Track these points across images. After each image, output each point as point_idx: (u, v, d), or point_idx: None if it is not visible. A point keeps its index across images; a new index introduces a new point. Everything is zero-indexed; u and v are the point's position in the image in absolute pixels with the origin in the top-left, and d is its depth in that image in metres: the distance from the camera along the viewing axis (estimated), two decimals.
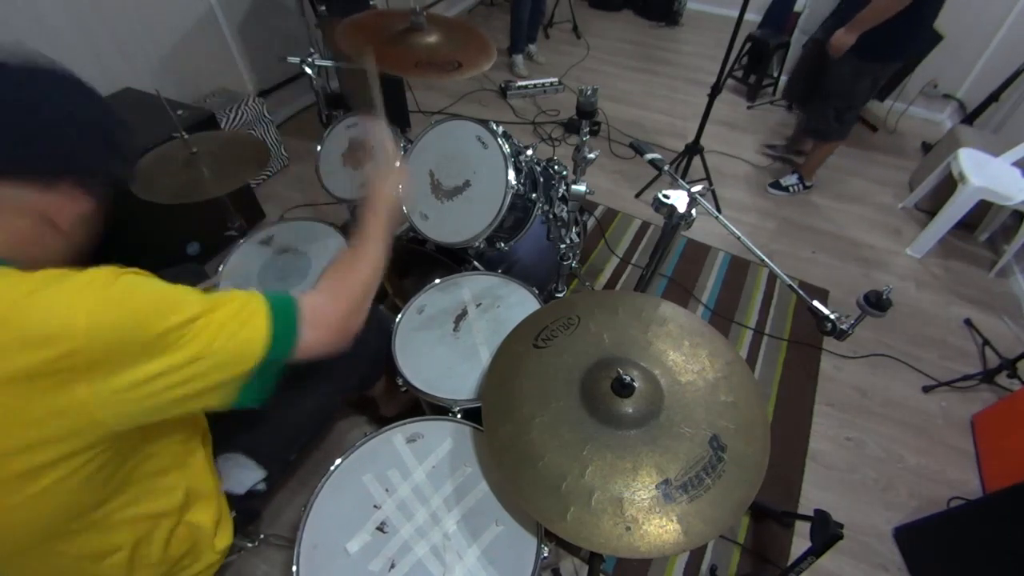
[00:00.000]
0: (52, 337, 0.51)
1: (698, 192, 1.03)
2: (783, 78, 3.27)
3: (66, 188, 0.61)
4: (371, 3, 2.29)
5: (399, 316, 1.26)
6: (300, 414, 1.04)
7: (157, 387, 0.57)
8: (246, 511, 0.93)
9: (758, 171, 2.70)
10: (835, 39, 1.96)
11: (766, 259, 0.93)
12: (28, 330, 0.51)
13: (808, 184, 2.51)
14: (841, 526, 0.94)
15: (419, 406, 1.23)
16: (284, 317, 0.68)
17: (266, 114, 2.33)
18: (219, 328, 0.61)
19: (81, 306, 0.53)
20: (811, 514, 1.01)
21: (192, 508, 0.82)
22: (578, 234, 1.29)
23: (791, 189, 2.52)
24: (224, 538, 0.88)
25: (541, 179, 1.41)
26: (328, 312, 0.73)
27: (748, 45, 3.22)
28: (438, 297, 1.31)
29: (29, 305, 0.52)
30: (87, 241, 0.68)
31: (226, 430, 0.91)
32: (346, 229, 1.56)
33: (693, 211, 1.06)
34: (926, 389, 1.77)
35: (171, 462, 0.76)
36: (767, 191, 2.56)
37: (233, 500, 0.91)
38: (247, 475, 0.94)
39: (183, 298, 0.60)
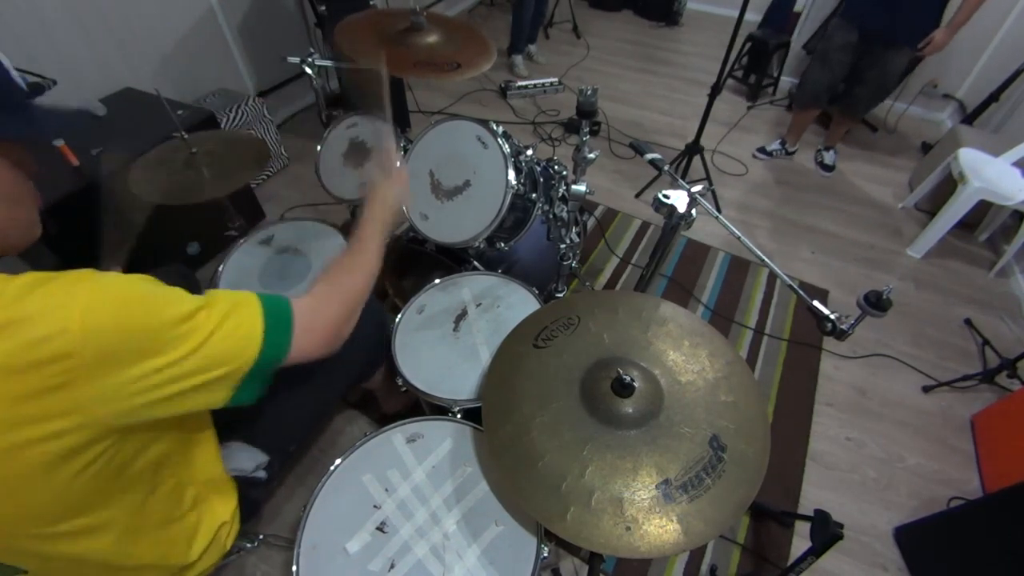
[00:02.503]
0: (47, 339, 0.50)
1: (698, 192, 1.03)
2: (783, 79, 3.28)
3: None
4: (371, 3, 2.29)
5: (399, 316, 1.26)
6: (299, 405, 1.04)
7: (152, 385, 0.57)
8: (248, 501, 0.93)
9: (759, 171, 2.71)
10: (941, 40, 2.10)
11: (766, 259, 0.93)
12: (24, 335, 0.50)
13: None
14: (841, 526, 0.94)
15: (419, 406, 1.24)
16: (278, 320, 0.68)
17: (266, 114, 2.33)
18: (213, 329, 0.61)
19: (75, 307, 0.52)
20: (811, 514, 1.01)
21: (211, 500, 0.84)
22: (578, 234, 1.29)
23: (833, 165, 2.73)
24: (233, 533, 0.89)
25: (541, 179, 1.41)
26: (321, 316, 0.74)
27: (748, 45, 3.22)
28: (438, 297, 1.31)
29: (22, 309, 0.50)
30: (4, 212, 0.61)
31: (226, 420, 0.91)
32: (346, 229, 1.56)
33: (693, 211, 1.06)
34: (926, 389, 1.77)
35: (184, 456, 0.78)
36: (822, 175, 2.70)
37: (237, 485, 0.92)
38: (249, 457, 0.95)
39: (176, 298, 0.60)
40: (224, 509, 0.87)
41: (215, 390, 0.63)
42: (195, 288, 1.27)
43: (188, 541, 0.80)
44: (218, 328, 0.61)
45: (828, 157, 2.71)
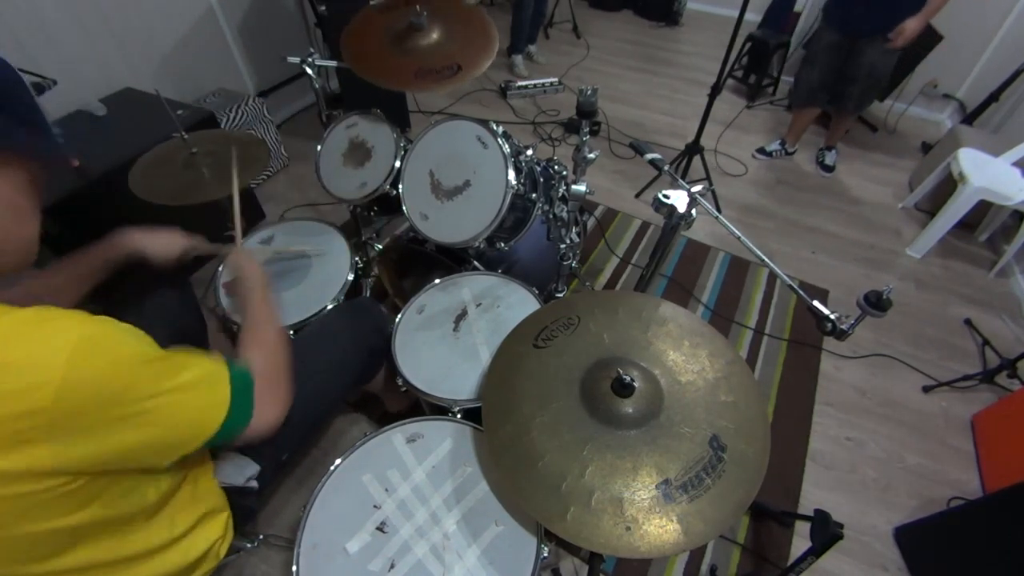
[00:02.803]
0: (24, 392, 0.49)
1: (698, 192, 1.03)
2: (783, 79, 3.28)
3: None
4: (371, 2, 2.29)
5: (399, 316, 1.26)
6: (290, 414, 1.03)
7: (110, 450, 0.57)
8: (241, 509, 0.93)
9: (759, 171, 2.71)
10: (910, 29, 2.07)
11: (766, 259, 0.93)
12: (3, 384, 0.49)
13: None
14: (841, 526, 0.93)
15: (419, 405, 1.24)
16: (243, 398, 0.70)
17: (266, 114, 2.33)
18: (183, 404, 0.62)
19: (59, 361, 0.51)
20: (811, 514, 1.01)
21: (204, 522, 0.83)
22: (578, 234, 1.29)
23: (833, 165, 2.72)
24: (226, 543, 0.88)
25: (541, 179, 1.41)
26: (275, 396, 0.77)
27: (748, 45, 3.22)
28: (438, 297, 1.31)
29: (6, 352, 0.50)
30: (14, 229, 0.61)
31: None
32: (346, 229, 1.56)
33: (693, 211, 1.06)
34: (926, 389, 1.77)
35: (176, 492, 0.77)
36: (822, 175, 2.69)
37: (229, 495, 0.91)
38: (240, 470, 0.94)
39: (158, 369, 0.60)
40: (216, 527, 0.85)
41: (163, 458, 0.65)
42: (188, 293, 1.28)
43: (180, 559, 0.79)
44: (187, 403, 0.63)
45: (829, 157, 2.70)
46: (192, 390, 0.64)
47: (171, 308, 1.14)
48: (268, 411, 0.75)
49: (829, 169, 2.70)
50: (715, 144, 2.81)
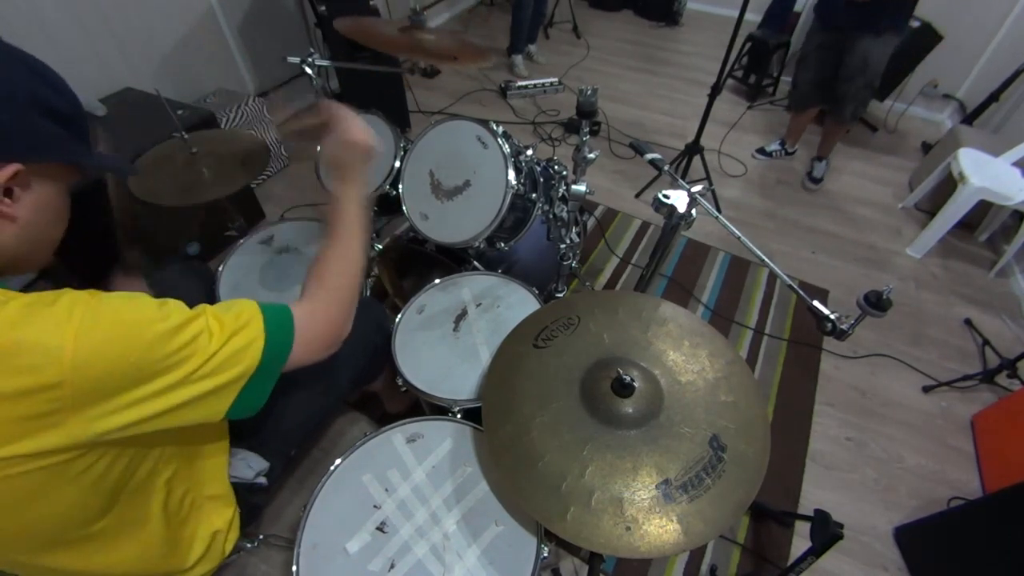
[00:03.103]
0: (36, 369, 0.49)
1: (698, 192, 1.03)
2: (783, 79, 3.28)
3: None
4: (371, 2, 2.29)
5: (399, 316, 1.26)
6: (300, 410, 1.04)
7: (142, 408, 0.56)
8: (249, 507, 0.93)
9: (759, 171, 2.71)
10: None
11: (766, 259, 0.93)
12: (14, 363, 0.49)
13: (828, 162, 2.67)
14: (841, 526, 0.93)
15: (419, 405, 1.24)
16: (279, 328, 0.68)
17: (266, 114, 2.33)
18: (215, 351, 0.60)
19: (67, 337, 0.51)
20: (811, 514, 1.01)
21: (206, 509, 0.83)
22: (578, 234, 1.29)
23: (821, 178, 2.61)
24: (231, 539, 0.89)
25: (541, 179, 1.41)
26: (320, 320, 0.74)
27: (748, 45, 3.22)
28: (438, 297, 1.31)
29: (14, 336, 0.50)
30: (51, 231, 0.65)
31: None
32: None
33: (693, 211, 1.06)
34: (926, 389, 1.77)
35: (187, 471, 0.78)
36: (806, 187, 2.61)
37: (238, 492, 0.92)
38: (251, 464, 0.95)
39: (176, 323, 0.58)
40: (219, 518, 0.86)
41: (212, 404, 0.63)
42: (210, 283, 1.28)
43: (183, 550, 0.79)
44: (220, 349, 0.61)
45: (818, 169, 2.58)
46: (225, 342, 0.62)
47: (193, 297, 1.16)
48: (316, 343, 0.73)
49: (816, 181, 2.58)
50: (718, 145, 2.80)
